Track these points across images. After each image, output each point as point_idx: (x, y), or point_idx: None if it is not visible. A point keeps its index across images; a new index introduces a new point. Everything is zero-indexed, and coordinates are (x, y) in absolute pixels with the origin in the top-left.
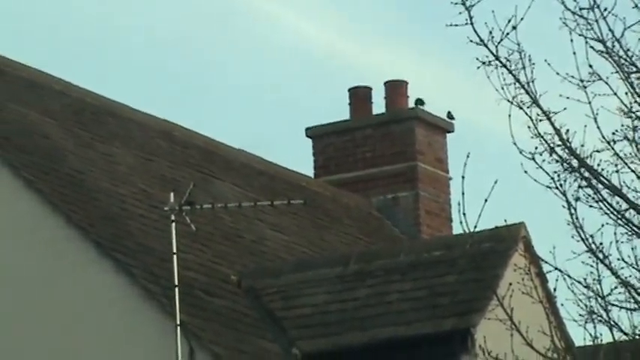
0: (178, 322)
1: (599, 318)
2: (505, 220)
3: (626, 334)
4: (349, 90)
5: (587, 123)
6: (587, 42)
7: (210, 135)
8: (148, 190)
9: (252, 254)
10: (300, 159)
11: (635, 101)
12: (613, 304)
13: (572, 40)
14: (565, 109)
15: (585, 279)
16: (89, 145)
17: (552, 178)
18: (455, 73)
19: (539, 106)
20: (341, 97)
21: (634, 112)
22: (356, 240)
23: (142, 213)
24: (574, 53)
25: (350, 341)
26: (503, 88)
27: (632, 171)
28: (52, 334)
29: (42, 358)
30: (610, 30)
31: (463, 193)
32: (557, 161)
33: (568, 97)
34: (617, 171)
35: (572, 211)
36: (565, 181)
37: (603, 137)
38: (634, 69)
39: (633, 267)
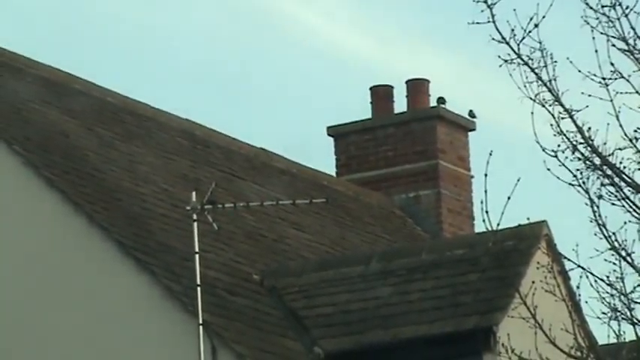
0: (201, 322)
1: (623, 315)
2: (528, 219)
3: None
4: (371, 89)
5: (610, 121)
6: (608, 40)
7: (232, 134)
8: (169, 189)
9: (274, 253)
10: (322, 158)
11: None
12: (636, 302)
13: (593, 38)
14: (587, 106)
15: (608, 276)
16: (110, 145)
17: (575, 176)
18: (477, 72)
19: (561, 104)
20: (362, 95)
21: None
22: (378, 239)
23: (163, 212)
24: (596, 51)
25: (372, 340)
26: (525, 86)
27: None
28: (74, 333)
29: (64, 356)
30: (632, 28)
31: (486, 191)
32: (579, 159)
33: (590, 95)
34: (639, 169)
35: (595, 208)
36: (588, 178)
37: (625, 135)
38: None
39: None
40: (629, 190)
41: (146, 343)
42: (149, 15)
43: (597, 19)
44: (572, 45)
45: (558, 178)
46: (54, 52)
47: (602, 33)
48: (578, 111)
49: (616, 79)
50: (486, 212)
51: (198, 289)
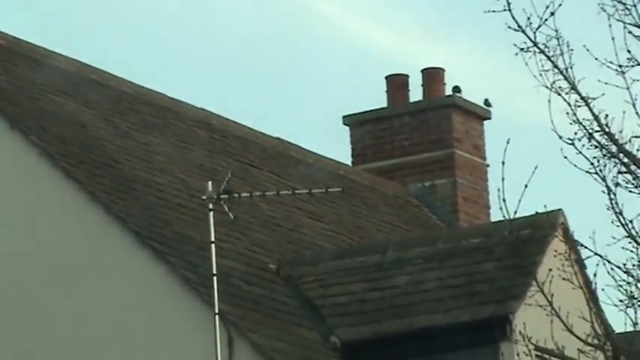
0: (217, 311)
1: (639, 303)
2: (545, 206)
3: None
4: (386, 78)
5: (626, 108)
6: (625, 27)
7: (248, 124)
8: (186, 179)
9: (291, 242)
10: (337, 147)
11: None
12: None
13: (610, 26)
14: (603, 94)
15: (625, 264)
16: (127, 135)
17: (592, 164)
18: (492, 60)
19: (577, 92)
20: (378, 84)
21: None
22: (394, 228)
23: (180, 202)
24: (612, 38)
25: (388, 329)
26: (541, 75)
27: None
28: (91, 323)
29: (80, 345)
30: None
31: (503, 179)
32: (595, 147)
33: (606, 83)
34: None
35: (612, 196)
36: (604, 166)
37: None
38: None
39: None
40: None
41: (163, 333)
42: (165, 4)
43: (614, 6)
44: (589, 33)
45: (575, 166)
46: (71, 43)
47: (618, 20)
48: (594, 99)
49: (632, 66)
50: (503, 200)
51: (215, 278)
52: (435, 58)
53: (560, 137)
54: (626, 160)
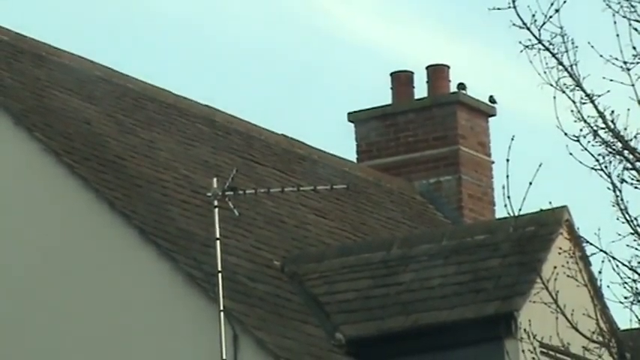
0: (222, 308)
1: None
2: (550, 203)
3: None
4: (391, 74)
5: (631, 105)
6: (630, 24)
7: (253, 120)
8: (190, 175)
9: (295, 239)
10: (342, 144)
11: None
12: None
13: (615, 22)
14: (608, 91)
15: (630, 261)
16: (131, 131)
17: (597, 161)
18: (497, 57)
19: (582, 89)
20: (383, 81)
21: None
22: (399, 224)
23: (184, 199)
24: (617, 35)
25: (393, 326)
26: (545, 72)
27: None
28: (95, 320)
29: (85, 342)
30: None
31: (508, 176)
32: (600, 144)
33: (611, 80)
34: None
35: (617, 193)
36: (610, 163)
37: None
38: None
39: None
40: None
41: (167, 330)
42: (169, 1)
43: (618, 3)
44: (594, 29)
45: (580, 162)
46: (75, 39)
47: (623, 17)
48: (599, 96)
49: (638, 63)
50: (508, 197)
51: (219, 275)
52: (439, 55)
53: (566, 134)
54: (631, 156)
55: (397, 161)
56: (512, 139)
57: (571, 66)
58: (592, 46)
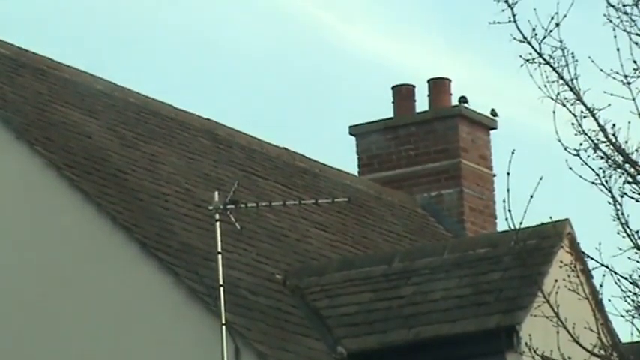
0: (223, 322)
1: None
2: (550, 217)
3: None
4: (393, 88)
5: (632, 119)
6: (630, 38)
7: (254, 134)
8: (191, 189)
9: (297, 253)
10: (343, 157)
11: None
12: None
13: (615, 37)
14: (609, 105)
15: (631, 275)
16: (132, 145)
17: (597, 175)
18: (498, 71)
19: (583, 102)
20: (384, 95)
21: None
22: (400, 238)
23: (185, 212)
24: (617, 49)
25: (395, 339)
26: (546, 86)
27: None
28: (97, 334)
29: (87, 356)
30: None
31: (508, 190)
32: (601, 158)
33: (612, 94)
34: None
35: (618, 207)
36: (610, 177)
37: None
38: None
39: None
40: None
41: (169, 343)
42: (170, 15)
43: (619, 17)
44: (594, 43)
45: (581, 177)
46: (76, 53)
47: (623, 31)
48: (600, 110)
49: (638, 76)
50: (509, 211)
51: (221, 289)
52: (441, 68)
53: (566, 148)
54: (632, 170)
55: (399, 174)
56: (513, 154)
57: (571, 80)
58: (592, 60)
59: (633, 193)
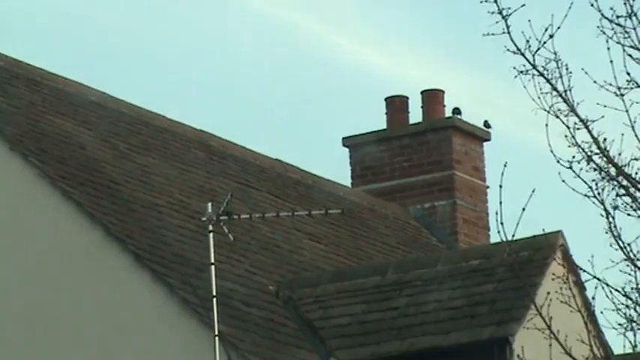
0: (216, 333)
1: (638, 326)
2: (543, 230)
3: None
4: (386, 99)
5: (625, 131)
6: (624, 50)
7: (247, 145)
8: (185, 200)
9: (290, 264)
10: (337, 168)
11: None
12: None
13: (609, 48)
14: (602, 117)
15: (624, 287)
16: (125, 156)
17: (590, 187)
18: (492, 83)
19: (576, 114)
20: (378, 106)
21: None
22: (393, 249)
23: (179, 223)
24: (611, 61)
25: (388, 350)
26: (539, 97)
27: None
28: (89, 345)
29: None
30: None
31: (501, 202)
32: (594, 169)
33: (605, 106)
34: None
35: (611, 219)
36: (603, 189)
37: None
38: None
39: None
40: None
41: (162, 355)
42: (164, 27)
43: (612, 29)
44: (588, 55)
45: (573, 189)
46: (70, 64)
47: (617, 42)
48: (593, 121)
49: (632, 88)
50: (501, 224)
51: (214, 300)
52: (434, 80)
53: (559, 160)
54: (625, 182)
55: (392, 186)
56: (505, 166)
57: (565, 91)
58: (586, 72)
59: (625, 205)
